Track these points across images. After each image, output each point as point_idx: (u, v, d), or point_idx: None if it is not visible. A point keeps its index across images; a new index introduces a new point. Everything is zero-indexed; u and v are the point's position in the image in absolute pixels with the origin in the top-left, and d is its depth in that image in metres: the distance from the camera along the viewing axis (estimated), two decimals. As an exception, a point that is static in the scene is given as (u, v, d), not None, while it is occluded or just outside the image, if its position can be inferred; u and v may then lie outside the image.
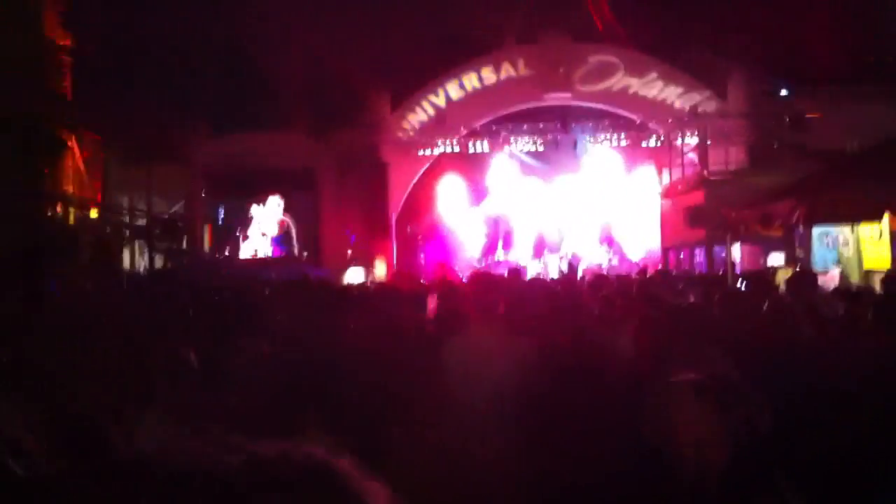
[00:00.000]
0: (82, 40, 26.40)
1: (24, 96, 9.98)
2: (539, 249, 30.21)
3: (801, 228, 15.16)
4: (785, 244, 18.85)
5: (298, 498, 1.02)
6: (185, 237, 28.68)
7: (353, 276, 26.07)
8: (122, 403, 4.03)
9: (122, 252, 25.69)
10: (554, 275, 24.92)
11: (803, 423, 3.04)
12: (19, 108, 9.85)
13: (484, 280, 10.99)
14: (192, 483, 1.04)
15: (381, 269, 28.00)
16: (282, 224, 29.44)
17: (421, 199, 30.55)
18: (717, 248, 20.52)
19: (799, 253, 17.75)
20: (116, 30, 26.88)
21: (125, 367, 4.45)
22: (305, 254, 29.41)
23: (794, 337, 5.07)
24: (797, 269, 13.40)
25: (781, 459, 2.87)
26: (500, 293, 8.41)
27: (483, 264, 29.23)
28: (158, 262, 27.49)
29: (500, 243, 30.73)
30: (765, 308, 6.22)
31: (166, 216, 28.97)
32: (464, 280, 21.99)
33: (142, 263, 26.95)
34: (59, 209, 22.67)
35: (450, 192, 30.69)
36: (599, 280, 14.24)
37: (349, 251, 28.51)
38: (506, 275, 14.22)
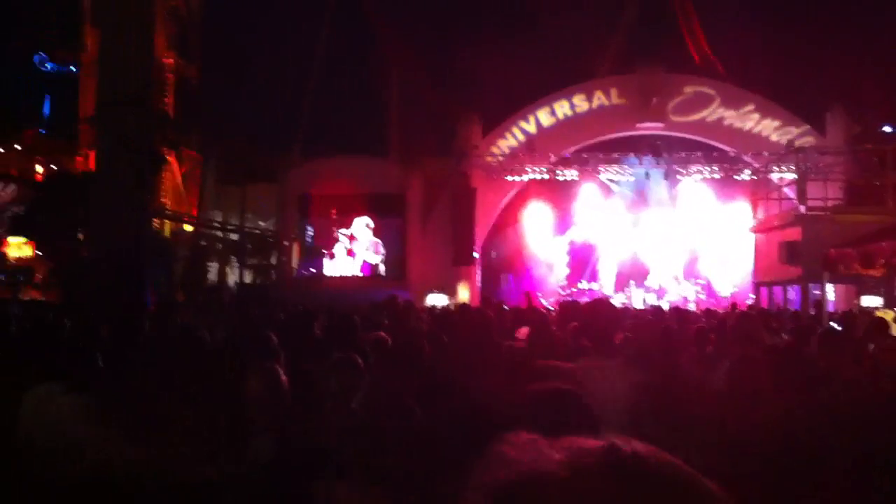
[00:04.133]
0: (186, 61, 27.35)
1: (133, 114, 10.31)
2: (624, 281, 29.81)
3: (903, 269, 14.61)
4: (885, 285, 18.22)
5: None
6: (275, 254, 29.26)
7: (437, 300, 26.08)
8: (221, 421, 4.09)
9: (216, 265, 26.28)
10: (639, 306, 24.57)
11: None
12: (128, 125, 10.17)
13: (571, 309, 10.88)
14: None
15: (464, 295, 27.97)
16: (375, 247, 29.69)
17: (507, 225, 30.49)
18: (810, 286, 19.93)
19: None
20: (218, 52, 27.74)
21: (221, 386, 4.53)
22: (382, 268, 29.50)
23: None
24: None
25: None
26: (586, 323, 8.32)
27: (567, 293, 28.96)
28: (248, 277, 28.11)
29: (587, 272, 30.45)
30: (871, 350, 6.01)
31: (258, 232, 29.63)
32: (549, 308, 21.90)
33: (232, 278, 27.56)
34: (157, 223, 23.38)
35: (536, 219, 30.54)
36: (686, 315, 13.97)
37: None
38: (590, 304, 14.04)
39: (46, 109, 36.12)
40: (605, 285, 29.86)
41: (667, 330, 8.05)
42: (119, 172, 9.78)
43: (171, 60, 26.60)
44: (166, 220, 25.89)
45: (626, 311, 17.94)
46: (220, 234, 29.00)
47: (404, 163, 29.27)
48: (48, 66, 34.38)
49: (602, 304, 6.23)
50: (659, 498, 0.96)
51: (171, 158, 25.26)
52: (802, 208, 20.27)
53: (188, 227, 27.94)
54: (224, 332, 7.24)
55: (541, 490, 0.96)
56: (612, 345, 5.02)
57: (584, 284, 29.99)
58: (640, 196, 30.20)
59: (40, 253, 24.00)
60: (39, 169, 29.93)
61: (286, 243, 29.18)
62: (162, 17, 24.44)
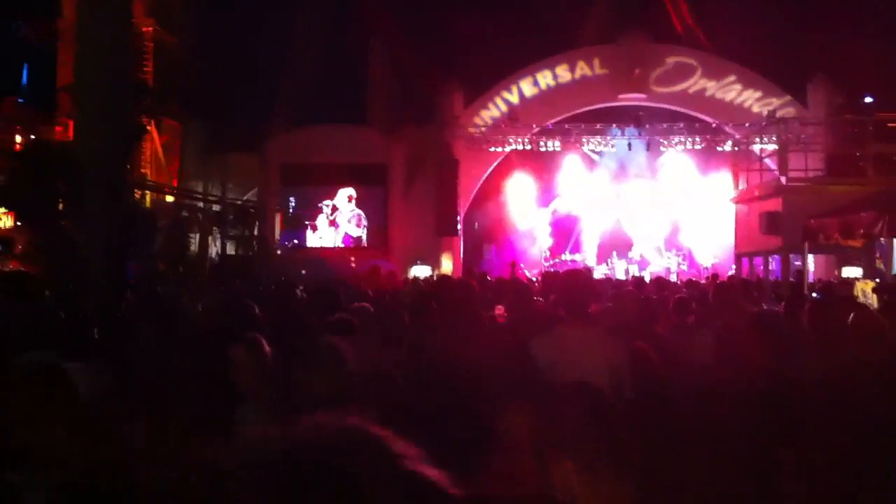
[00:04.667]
0: (165, 29, 27.03)
1: (111, 82, 10.19)
2: (607, 252, 29.93)
3: (882, 240, 14.74)
4: (864, 256, 18.39)
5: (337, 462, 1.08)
6: (257, 225, 29.11)
7: (420, 271, 26.07)
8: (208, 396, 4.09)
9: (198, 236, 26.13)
10: (621, 278, 24.70)
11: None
12: (106, 93, 10.05)
13: (553, 280, 10.92)
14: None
15: (447, 266, 28.00)
16: (357, 219, 29.58)
17: (489, 197, 30.47)
18: (791, 257, 20.10)
19: (879, 265, 17.29)
20: (198, 20, 27.44)
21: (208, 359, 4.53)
22: (365, 240, 29.44)
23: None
24: (880, 281, 12.98)
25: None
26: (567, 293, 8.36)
27: (550, 264, 29.06)
28: (230, 249, 27.99)
29: (570, 244, 30.56)
30: (850, 320, 6.03)
31: (239, 203, 29.47)
32: (532, 279, 21.98)
33: (214, 249, 27.42)
34: (137, 193, 23.20)
35: (519, 191, 30.56)
36: (667, 285, 14.05)
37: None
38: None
39: (24, 79, 35.68)
40: (588, 257, 29.98)
41: (645, 300, 8.11)
42: (97, 139, 9.70)
43: (151, 28, 26.28)
44: (147, 191, 25.69)
45: (608, 281, 18.06)
46: (201, 204, 28.81)
47: (386, 131, 29.10)
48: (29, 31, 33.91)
49: (577, 274, 6.35)
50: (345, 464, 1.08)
51: (150, 128, 25.02)
52: (783, 179, 20.38)
53: (169, 198, 27.74)
54: (205, 303, 7.24)
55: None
56: (588, 314, 5.12)
57: (567, 256, 30.10)
58: (623, 167, 30.26)
59: (21, 224, 23.80)
60: (18, 139, 29.61)
61: (268, 213, 29.05)
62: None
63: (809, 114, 27.11)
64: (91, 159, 9.82)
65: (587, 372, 4.26)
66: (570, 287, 5.23)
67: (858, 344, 5.05)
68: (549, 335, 4.89)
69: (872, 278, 16.88)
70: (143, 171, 25.80)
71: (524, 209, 30.62)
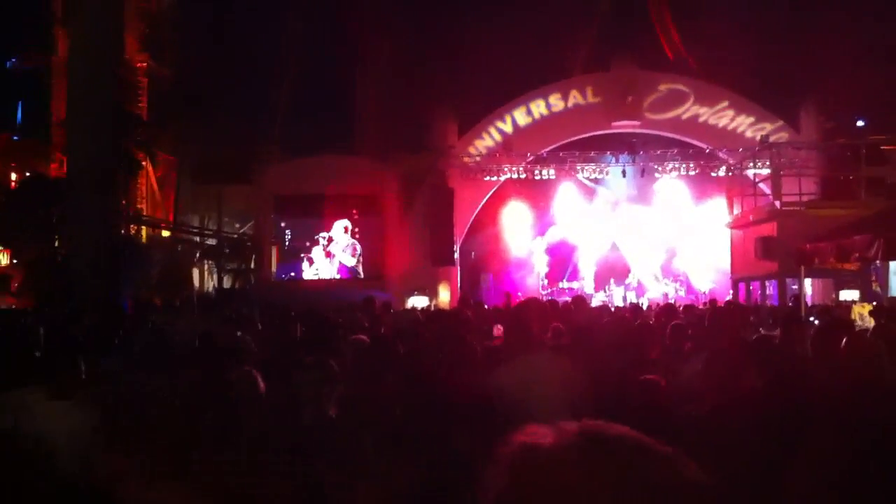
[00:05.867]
0: (158, 63, 27.17)
1: (104, 116, 10.23)
2: (604, 279, 29.89)
3: (878, 263, 14.73)
4: (860, 279, 18.37)
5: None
6: (253, 257, 29.07)
7: (417, 302, 25.95)
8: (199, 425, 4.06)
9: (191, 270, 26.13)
10: (619, 304, 24.67)
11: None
12: (100, 127, 10.09)
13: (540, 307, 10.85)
14: None
15: (444, 296, 27.90)
16: (353, 249, 29.50)
17: (485, 226, 30.45)
18: (788, 281, 20.10)
19: (875, 288, 17.27)
20: (191, 53, 27.60)
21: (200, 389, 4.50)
22: (360, 270, 29.38)
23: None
24: (877, 304, 12.95)
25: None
26: (564, 321, 8.35)
27: (548, 292, 28.99)
28: (227, 282, 27.94)
29: (567, 272, 30.53)
30: (843, 344, 5.99)
31: (235, 236, 29.44)
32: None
33: (210, 283, 27.40)
34: (133, 228, 23.21)
35: (515, 219, 30.56)
36: (668, 310, 14.00)
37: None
38: (570, 302, 14.11)
39: (19, 116, 35.81)
40: (585, 284, 29.93)
41: (641, 326, 8.09)
42: (91, 173, 9.71)
43: (145, 63, 26.45)
44: (143, 226, 25.71)
45: (605, 308, 18.01)
46: (197, 238, 28.81)
47: (381, 161, 29.14)
48: (23, 68, 34.13)
49: (527, 305, 6.47)
50: (617, 459, 1.20)
51: (145, 163, 25.09)
52: (777, 203, 20.41)
53: (165, 233, 27.75)
54: (195, 334, 7.22)
55: (532, 456, 1.23)
56: (537, 341, 5.36)
57: (564, 284, 30.05)
58: (618, 194, 30.32)
59: (16, 261, 23.82)
60: (14, 176, 29.69)
61: (264, 246, 29.01)
62: (133, 18, 24.32)
63: (802, 138, 27.24)
64: (83, 190, 9.83)
65: (537, 394, 4.53)
66: (518, 317, 5.49)
67: (851, 367, 5.02)
68: (506, 365, 5.11)
69: (869, 301, 16.88)
70: (139, 206, 25.82)
71: (520, 238, 30.60)
